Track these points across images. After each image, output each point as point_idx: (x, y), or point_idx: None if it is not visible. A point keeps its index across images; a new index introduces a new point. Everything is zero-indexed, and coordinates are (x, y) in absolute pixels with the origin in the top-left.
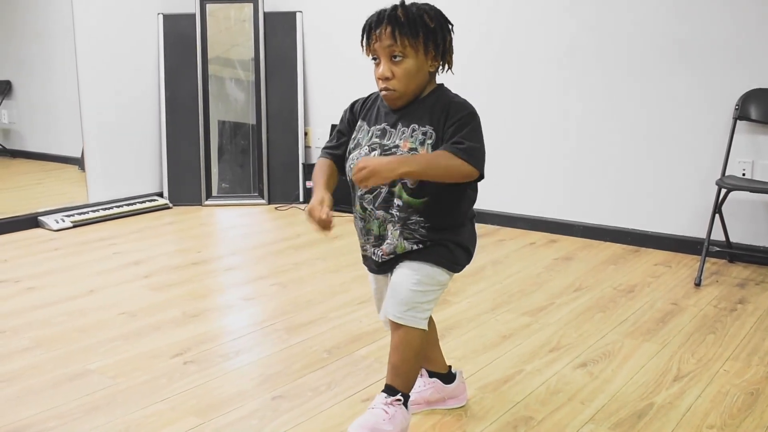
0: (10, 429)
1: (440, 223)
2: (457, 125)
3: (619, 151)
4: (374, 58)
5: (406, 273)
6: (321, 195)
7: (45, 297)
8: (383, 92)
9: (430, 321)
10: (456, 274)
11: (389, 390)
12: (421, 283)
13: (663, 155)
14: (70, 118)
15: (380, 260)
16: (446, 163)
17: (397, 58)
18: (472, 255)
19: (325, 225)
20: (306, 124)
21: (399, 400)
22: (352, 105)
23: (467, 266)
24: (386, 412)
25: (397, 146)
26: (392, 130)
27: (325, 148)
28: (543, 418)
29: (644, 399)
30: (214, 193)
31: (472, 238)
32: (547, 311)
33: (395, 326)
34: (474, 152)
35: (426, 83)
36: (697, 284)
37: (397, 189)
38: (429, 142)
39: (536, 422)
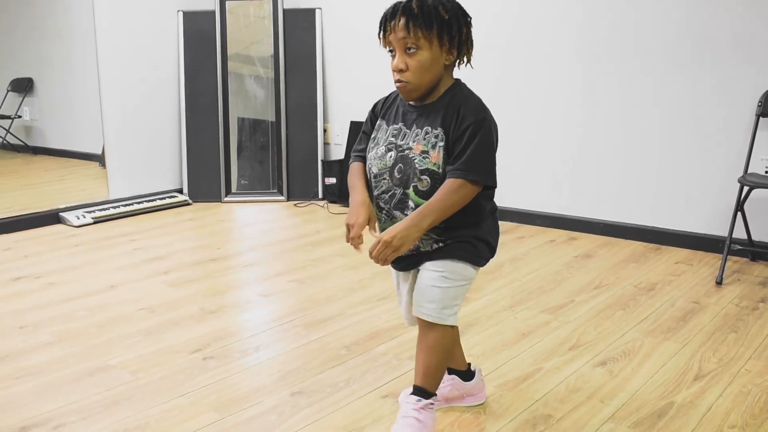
0: (31, 422)
1: (456, 222)
2: (466, 136)
3: (639, 149)
4: (390, 50)
5: (432, 272)
6: (360, 208)
7: (66, 292)
8: (397, 84)
9: None
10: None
11: (420, 393)
12: (447, 279)
13: (684, 152)
14: (91, 115)
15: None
16: (457, 196)
17: (411, 50)
18: (495, 249)
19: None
20: (325, 120)
21: (432, 404)
22: (375, 105)
23: (488, 262)
24: (419, 420)
25: (410, 148)
26: (407, 130)
27: (354, 151)
28: (562, 416)
29: (664, 398)
30: (234, 189)
31: (494, 231)
32: (567, 309)
33: (426, 326)
34: (480, 169)
35: (441, 76)
36: (719, 283)
37: (410, 191)
38: (440, 144)
39: (555, 420)
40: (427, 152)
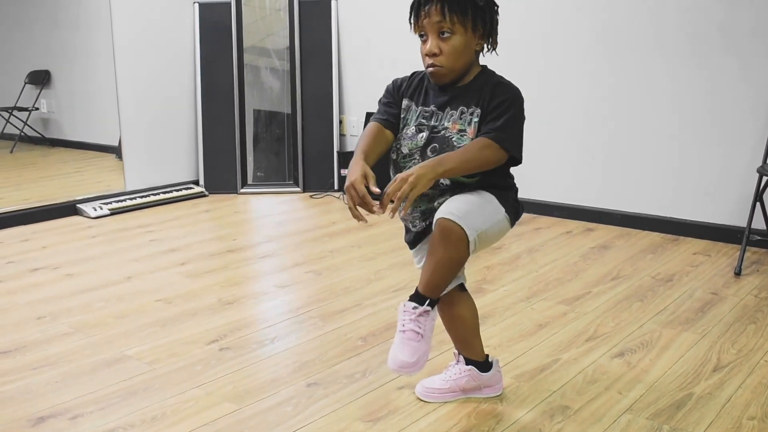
0: (49, 412)
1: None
2: (498, 111)
3: (657, 138)
4: (421, 35)
5: (461, 195)
6: (353, 166)
7: (83, 283)
8: (430, 69)
9: (473, 306)
10: (493, 262)
11: (419, 299)
12: (480, 199)
13: (703, 142)
14: (108, 107)
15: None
16: (481, 153)
17: (446, 35)
18: (516, 217)
19: (365, 205)
20: (341, 112)
21: (428, 311)
22: (395, 81)
23: (503, 254)
24: (416, 332)
25: (446, 128)
26: (440, 113)
27: (374, 117)
28: (580, 407)
29: (683, 389)
30: (250, 181)
31: (516, 204)
32: (584, 300)
33: (441, 236)
34: (508, 135)
35: (472, 62)
36: (737, 273)
37: None
38: (476, 120)
39: (573, 411)
40: (464, 130)
